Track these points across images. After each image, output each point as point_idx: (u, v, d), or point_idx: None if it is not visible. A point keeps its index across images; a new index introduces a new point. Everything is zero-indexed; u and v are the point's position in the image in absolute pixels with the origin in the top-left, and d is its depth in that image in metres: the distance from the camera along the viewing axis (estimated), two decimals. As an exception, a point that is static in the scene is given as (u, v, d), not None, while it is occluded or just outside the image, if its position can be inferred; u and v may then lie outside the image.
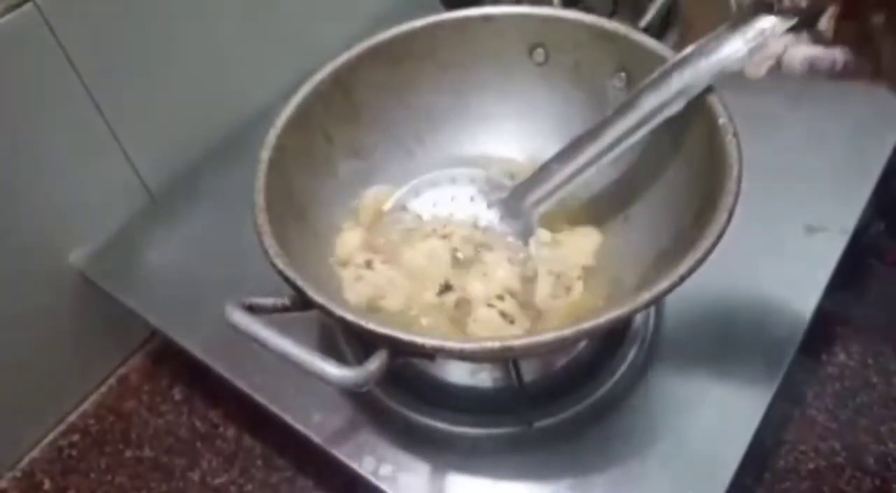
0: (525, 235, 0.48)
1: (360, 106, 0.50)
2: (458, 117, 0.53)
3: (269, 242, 0.39)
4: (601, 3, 0.67)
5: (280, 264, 0.38)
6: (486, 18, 0.50)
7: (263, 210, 0.41)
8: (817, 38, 0.37)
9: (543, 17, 0.50)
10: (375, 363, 0.35)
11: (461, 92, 0.52)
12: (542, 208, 0.48)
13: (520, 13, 0.50)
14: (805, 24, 0.38)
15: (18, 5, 0.47)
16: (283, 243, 0.40)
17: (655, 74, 0.42)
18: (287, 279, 0.38)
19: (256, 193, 0.41)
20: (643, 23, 0.48)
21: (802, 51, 0.37)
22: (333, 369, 0.34)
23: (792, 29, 0.38)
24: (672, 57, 0.44)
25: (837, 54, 0.36)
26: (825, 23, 0.37)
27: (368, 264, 0.47)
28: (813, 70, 0.37)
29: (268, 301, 0.39)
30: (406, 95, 0.52)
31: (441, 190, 0.51)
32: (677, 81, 0.41)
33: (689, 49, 0.41)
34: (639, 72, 0.47)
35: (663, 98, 0.42)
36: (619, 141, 0.44)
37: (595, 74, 0.49)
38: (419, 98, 0.52)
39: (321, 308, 0.37)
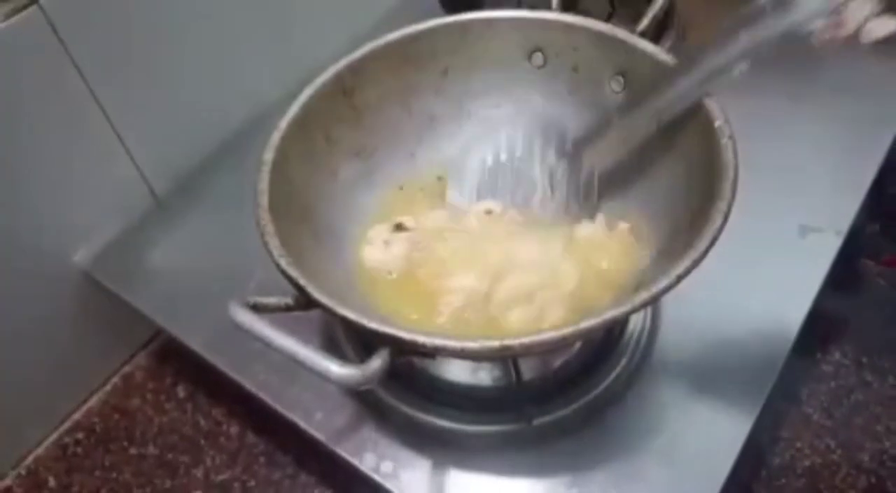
0: (587, 183, 0.48)
1: (362, 108, 0.51)
2: (458, 120, 0.54)
3: (273, 243, 0.40)
4: (599, 7, 0.67)
5: (283, 264, 0.39)
6: (487, 22, 0.51)
7: (267, 211, 0.41)
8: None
9: (542, 21, 0.50)
10: (377, 362, 0.35)
11: (461, 94, 0.53)
12: (601, 161, 0.48)
13: (519, 17, 0.51)
14: None
15: (23, 8, 0.47)
16: (286, 243, 0.40)
17: (713, 38, 0.40)
18: (290, 279, 0.38)
19: (260, 194, 0.42)
20: (640, 27, 0.49)
21: (887, 25, 0.34)
22: (336, 368, 0.35)
23: None
24: (670, 61, 0.45)
25: None
26: None
27: (399, 228, 0.48)
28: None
29: (271, 300, 0.39)
30: (407, 98, 0.52)
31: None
32: (742, 43, 0.39)
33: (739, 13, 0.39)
34: (637, 75, 0.48)
35: (725, 59, 0.40)
36: (681, 98, 0.42)
37: (593, 78, 0.50)
38: (420, 100, 0.53)
39: (324, 307, 0.37)
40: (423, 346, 0.35)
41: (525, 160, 0.51)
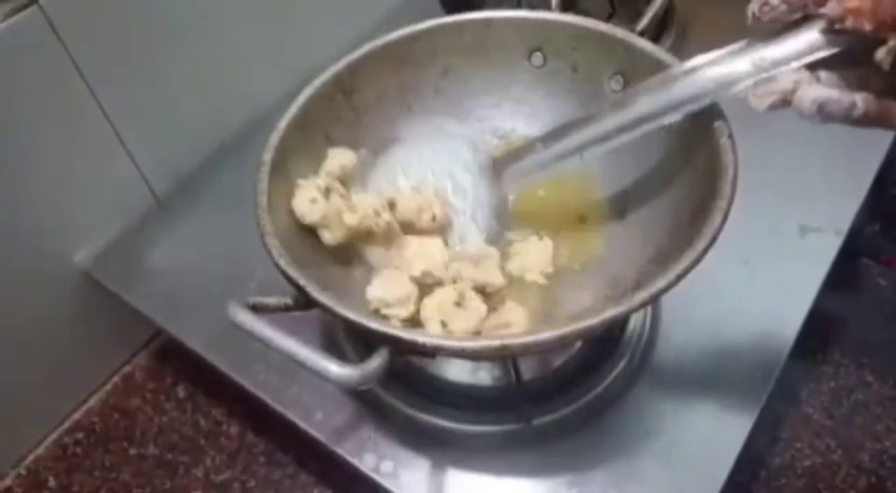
0: (499, 205, 0.48)
1: (362, 108, 0.51)
2: (457, 120, 0.54)
3: (273, 243, 0.40)
4: (599, 7, 0.67)
5: (283, 264, 0.39)
6: (486, 22, 0.51)
7: (266, 211, 0.41)
8: (832, 79, 0.34)
9: (542, 21, 0.50)
10: (377, 362, 0.35)
11: (461, 95, 0.53)
12: (517, 186, 0.48)
13: (518, 17, 0.51)
14: (839, 59, 0.34)
15: (22, 8, 0.47)
16: (286, 243, 0.40)
17: (656, 79, 0.42)
18: (289, 279, 0.38)
19: (259, 194, 0.42)
20: (640, 26, 0.49)
21: (816, 91, 0.34)
22: (335, 368, 0.35)
23: (811, 66, 0.35)
24: (669, 60, 0.45)
25: (859, 99, 0.33)
26: (882, 54, 0.33)
27: (327, 193, 0.46)
28: (825, 114, 0.34)
29: (271, 301, 0.39)
30: (407, 98, 0.52)
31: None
32: (678, 91, 0.40)
33: (695, 60, 0.40)
34: (636, 75, 0.47)
35: (660, 104, 0.41)
36: (607, 136, 0.43)
37: (593, 77, 0.50)
38: (420, 101, 0.53)
39: (324, 307, 0.37)
40: (423, 346, 0.35)
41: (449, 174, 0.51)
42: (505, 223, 0.49)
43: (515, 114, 0.53)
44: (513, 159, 0.48)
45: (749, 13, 0.37)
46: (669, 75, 0.41)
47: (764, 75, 0.36)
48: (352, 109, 0.50)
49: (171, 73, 0.59)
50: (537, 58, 0.51)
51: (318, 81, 0.48)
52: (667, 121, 0.41)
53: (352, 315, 0.37)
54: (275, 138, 0.45)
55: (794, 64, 0.36)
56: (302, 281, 0.38)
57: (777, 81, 0.36)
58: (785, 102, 0.35)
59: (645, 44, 0.47)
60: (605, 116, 0.43)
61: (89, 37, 0.52)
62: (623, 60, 0.48)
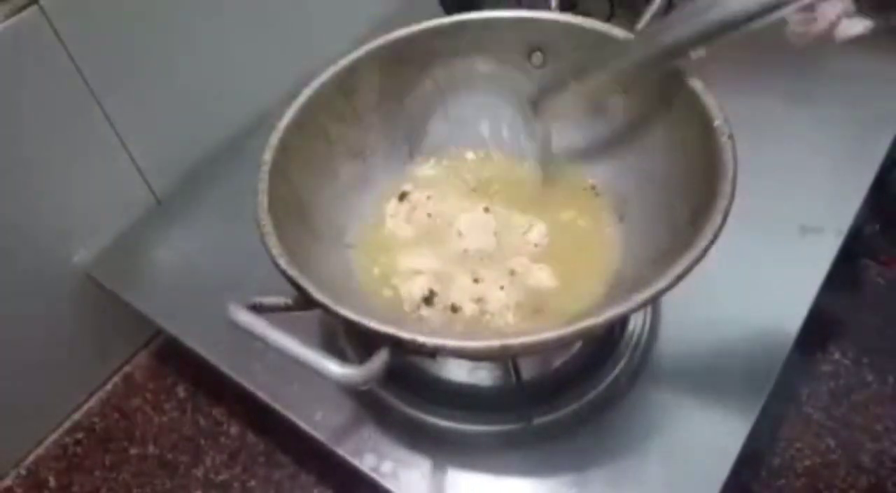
0: (544, 138, 0.50)
1: (361, 109, 0.51)
2: (458, 120, 0.54)
3: (273, 243, 0.40)
4: (598, 7, 0.67)
5: (283, 264, 0.39)
6: (485, 22, 0.51)
7: (266, 211, 0.41)
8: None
9: (541, 21, 0.50)
10: (377, 362, 0.35)
11: (459, 94, 0.53)
12: (558, 119, 0.49)
13: (518, 17, 0.51)
14: None
15: (23, 8, 0.47)
16: (286, 243, 0.40)
17: (691, 6, 0.39)
18: (289, 279, 0.38)
19: (260, 194, 0.42)
20: (639, 26, 0.49)
21: (857, 26, 0.34)
22: (336, 368, 0.35)
23: None
24: (626, 35, 0.45)
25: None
26: None
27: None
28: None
29: (270, 300, 0.39)
30: (406, 98, 0.52)
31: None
32: (715, 14, 0.38)
33: None
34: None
35: (695, 30, 0.39)
36: (640, 65, 0.43)
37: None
38: (419, 101, 0.53)
39: (323, 307, 0.37)
40: (423, 345, 0.35)
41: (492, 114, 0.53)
42: (549, 155, 0.52)
43: (516, 113, 0.53)
44: (549, 94, 0.49)
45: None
46: (704, 2, 0.39)
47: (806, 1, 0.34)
48: (352, 109, 0.50)
49: (171, 72, 0.59)
50: (537, 57, 0.51)
51: (317, 81, 0.48)
52: (698, 51, 0.40)
53: (352, 315, 0.37)
54: (274, 139, 0.45)
55: None
56: (302, 281, 0.38)
57: (821, 13, 0.35)
58: (828, 34, 0.34)
59: None
60: (638, 45, 0.43)
61: (90, 37, 0.52)
62: None
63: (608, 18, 0.68)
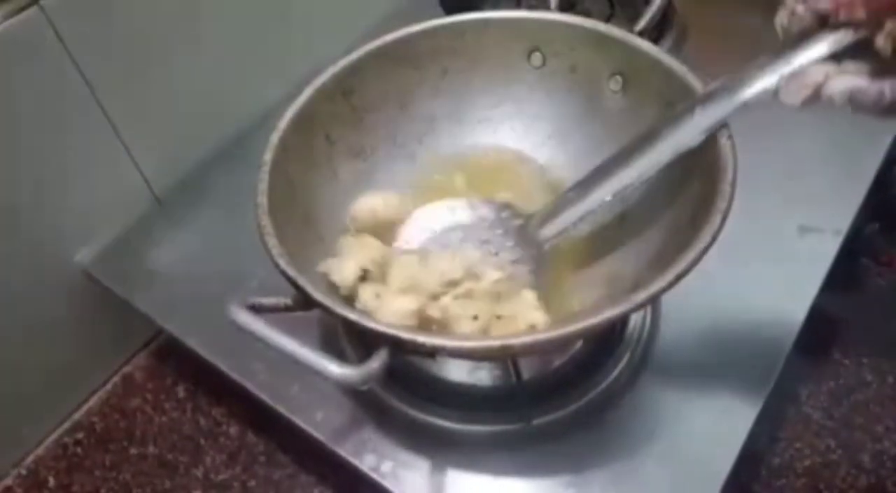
0: (539, 264, 0.48)
1: (361, 109, 0.51)
2: (457, 120, 0.54)
3: (272, 243, 0.40)
4: (598, 7, 0.67)
5: (282, 264, 0.39)
6: (485, 23, 0.51)
7: (266, 211, 0.41)
8: (861, 69, 0.34)
9: (540, 21, 0.50)
10: (377, 362, 0.35)
11: (461, 95, 0.53)
12: (554, 242, 0.47)
13: (517, 17, 0.51)
14: (853, 50, 0.34)
15: (23, 9, 0.47)
16: (286, 244, 0.40)
17: (680, 110, 0.41)
18: (289, 279, 0.38)
19: (260, 194, 0.42)
20: (639, 27, 0.49)
21: (845, 81, 0.34)
22: (335, 368, 0.35)
23: (836, 58, 0.35)
24: (668, 60, 0.45)
25: (887, 88, 0.32)
26: (882, 40, 0.33)
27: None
28: (856, 103, 0.33)
29: (270, 301, 0.39)
30: (406, 99, 0.52)
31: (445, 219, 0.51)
32: (700, 118, 0.39)
33: (715, 84, 0.39)
34: (635, 75, 0.48)
35: (684, 135, 0.40)
36: (640, 177, 0.42)
37: (592, 78, 0.50)
38: (420, 101, 0.53)
39: (323, 308, 0.37)
40: (423, 346, 0.36)
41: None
42: (546, 269, 0.48)
43: (515, 114, 0.53)
44: (546, 219, 0.47)
45: (777, 27, 0.37)
46: (689, 104, 0.40)
47: (791, 69, 0.36)
48: (352, 109, 0.51)
49: (171, 72, 0.59)
50: (536, 58, 0.51)
51: (317, 82, 0.48)
52: (690, 146, 0.40)
53: (352, 315, 0.37)
54: (275, 138, 0.45)
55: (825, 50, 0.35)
56: (301, 281, 0.38)
57: (807, 75, 0.35)
58: (816, 95, 0.35)
59: (643, 43, 0.47)
60: (634, 154, 0.42)
61: (90, 37, 0.52)
62: (622, 60, 0.48)
63: (608, 19, 0.68)
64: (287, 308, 0.40)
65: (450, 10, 0.67)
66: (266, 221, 0.41)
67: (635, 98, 0.48)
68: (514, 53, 0.52)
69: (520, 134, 0.53)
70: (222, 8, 0.60)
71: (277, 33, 0.66)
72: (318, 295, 0.37)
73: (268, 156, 0.44)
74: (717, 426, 0.46)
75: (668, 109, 0.45)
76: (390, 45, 0.50)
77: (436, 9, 0.69)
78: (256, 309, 0.38)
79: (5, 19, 0.47)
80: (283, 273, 0.39)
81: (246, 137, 0.65)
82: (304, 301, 0.38)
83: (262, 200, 0.42)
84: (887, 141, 0.59)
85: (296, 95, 0.47)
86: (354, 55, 0.50)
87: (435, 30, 0.51)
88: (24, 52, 0.48)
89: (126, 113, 0.56)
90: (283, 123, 0.46)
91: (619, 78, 0.49)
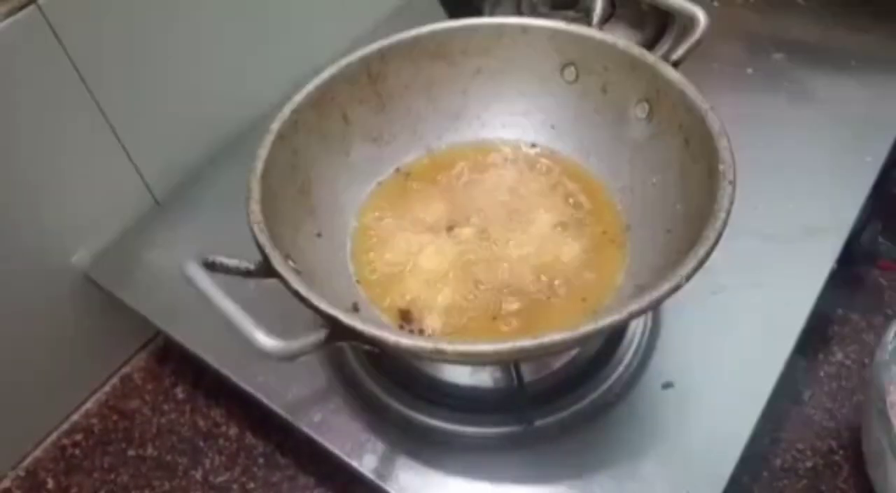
0: None
1: (386, 95, 0.51)
2: (481, 122, 0.54)
3: (254, 208, 0.40)
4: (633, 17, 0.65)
5: (255, 230, 0.39)
6: (523, 28, 0.50)
7: (259, 177, 0.42)
8: None
9: (577, 35, 0.49)
10: (307, 340, 0.35)
11: (489, 97, 0.53)
12: None
13: (555, 28, 0.50)
14: None
15: (21, 8, 0.47)
16: (274, 212, 0.40)
17: None
18: (258, 244, 0.38)
19: (257, 159, 0.42)
20: (676, 56, 0.46)
21: None
22: (262, 337, 0.34)
23: None
24: (695, 94, 0.43)
25: None
26: None
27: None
28: None
29: (231, 261, 0.39)
30: (435, 92, 0.52)
31: None
32: None
33: None
34: (661, 104, 0.46)
35: None
36: None
37: (620, 101, 0.49)
38: (448, 97, 0.52)
39: (280, 278, 0.37)
40: (361, 334, 0.35)
41: None
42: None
43: (541, 125, 0.53)
44: None
45: None
46: None
47: None
48: (376, 94, 0.50)
49: (169, 73, 0.58)
50: (570, 72, 0.51)
51: (343, 61, 0.48)
52: None
53: (302, 290, 0.36)
54: (287, 110, 0.45)
55: None
56: (268, 249, 0.38)
57: None
58: None
59: (673, 74, 0.45)
60: None
61: (88, 37, 0.51)
62: (650, 88, 0.47)
63: (608, 19, 0.68)
64: (248, 272, 0.39)
65: (451, 10, 0.67)
66: (255, 189, 0.41)
67: (658, 128, 0.47)
68: (548, 64, 0.51)
69: (542, 145, 0.53)
70: (221, 9, 0.60)
71: (276, 34, 0.66)
72: (279, 265, 0.37)
73: (275, 125, 0.44)
74: (718, 427, 0.45)
75: (686, 146, 0.44)
76: (425, 38, 0.50)
77: (436, 8, 0.69)
78: (214, 267, 0.38)
79: (2, 19, 0.47)
80: (255, 239, 0.39)
81: (245, 137, 0.65)
82: (266, 269, 0.38)
83: (258, 165, 0.42)
84: (889, 141, 0.59)
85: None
86: (385, 42, 0.49)
87: (472, 29, 0.51)
88: (22, 53, 0.48)
89: (125, 114, 0.56)
90: (300, 96, 0.46)
91: (645, 104, 0.48)
